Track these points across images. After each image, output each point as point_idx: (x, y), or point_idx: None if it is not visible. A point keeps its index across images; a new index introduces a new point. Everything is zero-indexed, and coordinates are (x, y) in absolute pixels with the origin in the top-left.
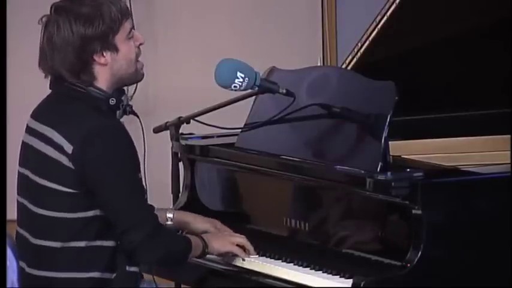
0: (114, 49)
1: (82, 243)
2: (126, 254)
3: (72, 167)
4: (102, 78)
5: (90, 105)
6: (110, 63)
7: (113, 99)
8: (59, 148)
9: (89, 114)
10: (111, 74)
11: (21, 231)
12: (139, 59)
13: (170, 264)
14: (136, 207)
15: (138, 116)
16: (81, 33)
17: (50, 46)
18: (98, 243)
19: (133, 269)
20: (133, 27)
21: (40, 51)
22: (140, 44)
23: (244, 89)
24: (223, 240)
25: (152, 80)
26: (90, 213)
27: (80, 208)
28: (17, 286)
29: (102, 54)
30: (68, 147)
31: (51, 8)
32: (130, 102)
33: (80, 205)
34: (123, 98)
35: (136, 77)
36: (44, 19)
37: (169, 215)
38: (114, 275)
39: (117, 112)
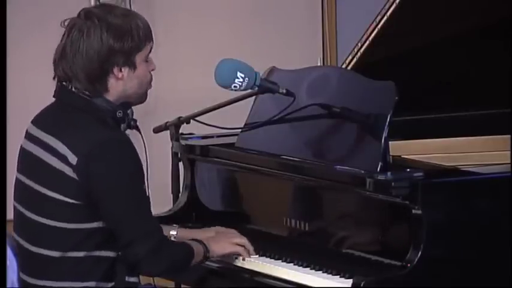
0: (133, 67)
1: (81, 254)
2: (129, 265)
3: (76, 178)
4: (113, 91)
5: (95, 116)
6: (125, 79)
7: (120, 112)
8: (63, 159)
9: (94, 126)
10: (122, 89)
11: (17, 237)
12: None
13: (173, 274)
14: (140, 220)
15: (140, 132)
16: (110, 44)
17: (74, 49)
18: (97, 253)
19: (132, 279)
20: (151, 49)
21: (60, 51)
22: (152, 70)
23: (244, 89)
24: (223, 242)
25: (153, 80)
26: (93, 225)
27: (82, 219)
28: (17, 286)
29: (121, 69)
30: (73, 159)
31: (80, 12)
32: (134, 117)
33: (82, 216)
34: (129, 111)
35: (141, 99)
36: (69, 22)
37: (173, 233)
38: (111, 284)
39: (122, 125)
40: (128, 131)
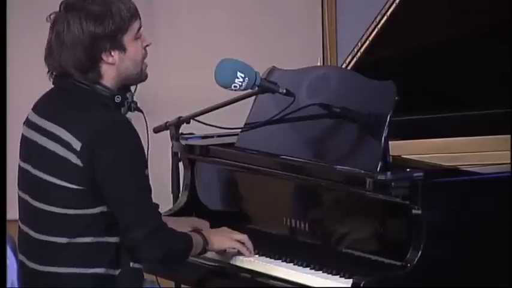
0: (122, 49)
1: (88, 239)
2: (128, 250)
3: (81, 164)
4: (109, 77)
5: (95, 101)
6: (117, 63)
7: (118, 97)
8: (67, 145)
9: (95, 111)
10: (117, 73)
11: (23, 226)
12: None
13: (171, 261)
14: (140, 205)
15: (142, 112)
16: (91, 31)
17: (59, 43)
18: (104, 239)
19: (137, 265)
20: (141, 28)
21: (47, 47)
22: (147, 46)
23: (244, 89)
24: (223, 236)
25: (152, 80)
26: (97, 210)
27: (87, 204)
28: (17, 286)
29: (111, 54)
30: (77, 145)
31: (60, 5)
32: (135, 99)
33: (87, 201)
34: (127, 95)
35: (140, 77)
36: (52, 16)
37: None
38: (118, 271)
39: (122, 109)
40: (131, 116)
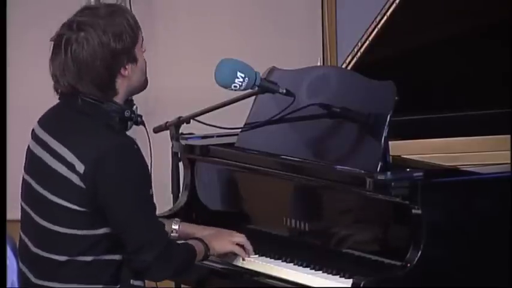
0: (135, 61)
1: (89, 258)
2: (137, 271)
3: (83, 186)
4: (121, 91)
5: (102, 122)
6: (129, 75)
7: (127, 112)
8: (71, 167)
9: (101, 133)
10: (128, 85)
11: (23, 236)
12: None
13: (178, 276)
14: (147, 226)
15: (145, 126)
16: (112, 47)
17: (78, 63)
18: (105, 257)
19: (137, 283)
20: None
21: (60, 68)
22: (144, 52)
23: (244, 89)
24: (223, 240)
25: (152, 80)
26: (100, 231)
27: (89, 226)
28: (17, 286)
29: (125, 67)
30: (80, 167)
31: (71, 24)
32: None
33: (88, 223)
34: (134, 109)
35: (145, 85)
36: (60, 36)
37: (175, 227)
38: (117, 287)
39: (129, 123)
40: (131, 130)
